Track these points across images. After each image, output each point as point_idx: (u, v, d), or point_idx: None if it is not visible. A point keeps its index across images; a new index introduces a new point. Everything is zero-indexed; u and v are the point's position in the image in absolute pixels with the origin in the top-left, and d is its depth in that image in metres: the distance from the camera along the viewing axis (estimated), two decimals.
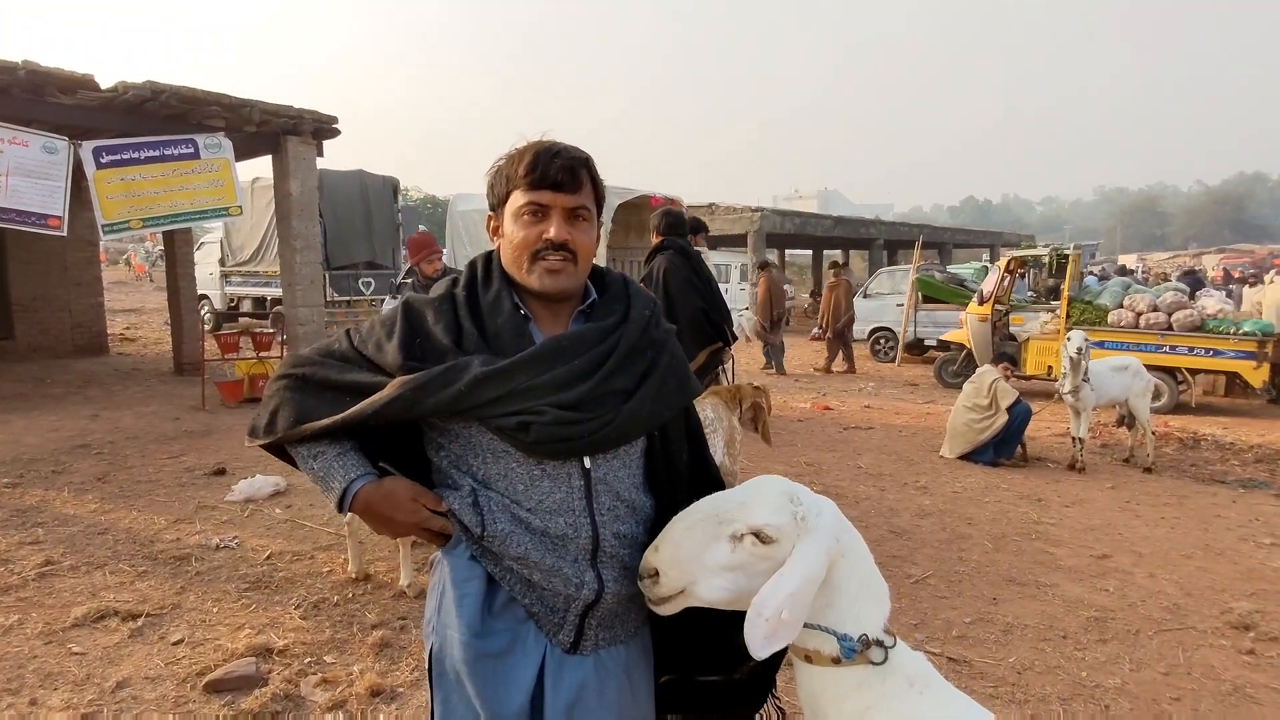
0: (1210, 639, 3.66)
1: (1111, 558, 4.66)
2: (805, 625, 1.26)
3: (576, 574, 1.35)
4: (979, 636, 3.66)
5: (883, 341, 14.97)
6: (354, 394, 1.37)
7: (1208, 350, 9.13)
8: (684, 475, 1.50)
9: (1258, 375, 8.96)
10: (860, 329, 15.57)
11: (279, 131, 8.83)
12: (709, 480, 1.54)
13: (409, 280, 5.62)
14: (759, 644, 1.20)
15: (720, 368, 4.95)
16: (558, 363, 1.34)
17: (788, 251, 36.23)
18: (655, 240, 4.90)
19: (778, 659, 1.42)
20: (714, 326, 4.75)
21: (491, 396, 1.30)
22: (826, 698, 1.29)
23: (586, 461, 1.37)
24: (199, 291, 12.67)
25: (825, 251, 34.90)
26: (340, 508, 1.37)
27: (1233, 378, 9.54)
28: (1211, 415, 9.23)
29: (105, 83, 7.56)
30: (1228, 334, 9.03)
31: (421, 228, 16.12)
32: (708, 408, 4.50)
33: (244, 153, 8.79)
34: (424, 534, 1.39)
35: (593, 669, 1.39)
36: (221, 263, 16.41)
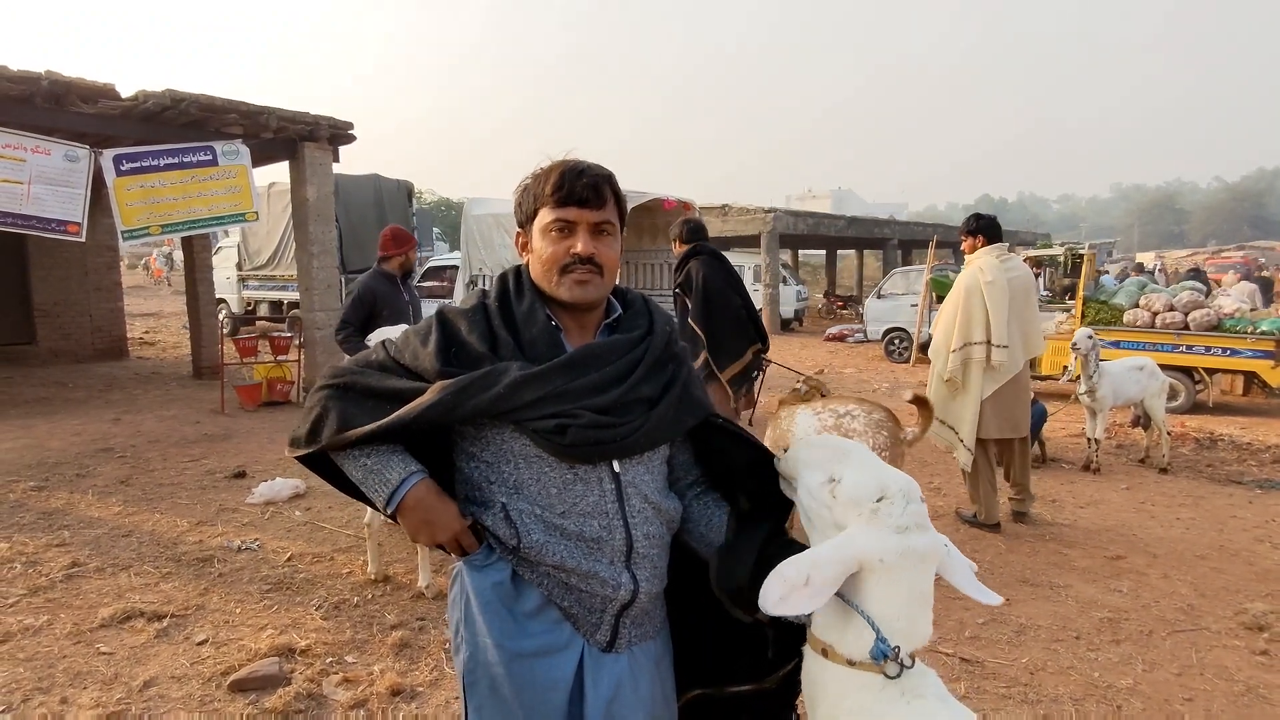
0: (1224, 640, 3.67)
1: (1126, 558, 4.66)
2: (856, 608, 1.31)
3: (613, 576, 1.41)
4: (992, 637, 3.68)
5: (897, 342, 14.95)
6: (394, 400, 1.42)
7: (1225, 350, 9.07)
8: (741, 474, 1.54)
9: (1276, 374, 8.89)
10: (875, 329, 15.57)
11: (296, 138, 8.94)
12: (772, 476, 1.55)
13: (369, 270, 5.29)
14: (772, 601, 1.28)
15: (760, 369, 4.99)
16: (592, 369, 1.41)
17: (801, 252, 36.16)
18: (681, 248, 4.97)
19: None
20: (755, 325, 4.90)
21: (531, 399, 1.36)
22: (830, 692, 1.35)
23: (616, 465, 1.42)
24: (216, 295, 12.82)
25: (840, 252, 34.83)
26: (389, 501, 1.40)
27: (1251, 377, 9.46)
28: (1229, 415, 9.18)
29: (126, 91, 7.69)
30: (1245, 333, 8.97)
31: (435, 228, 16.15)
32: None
33: (261, 159, 8.91)
34: (454, 545, 1.43)
35: (627, 665, 1.45)
36: (239, 267, 16.57)
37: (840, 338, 18.21)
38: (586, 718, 1.41)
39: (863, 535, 1.30)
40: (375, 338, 4.23)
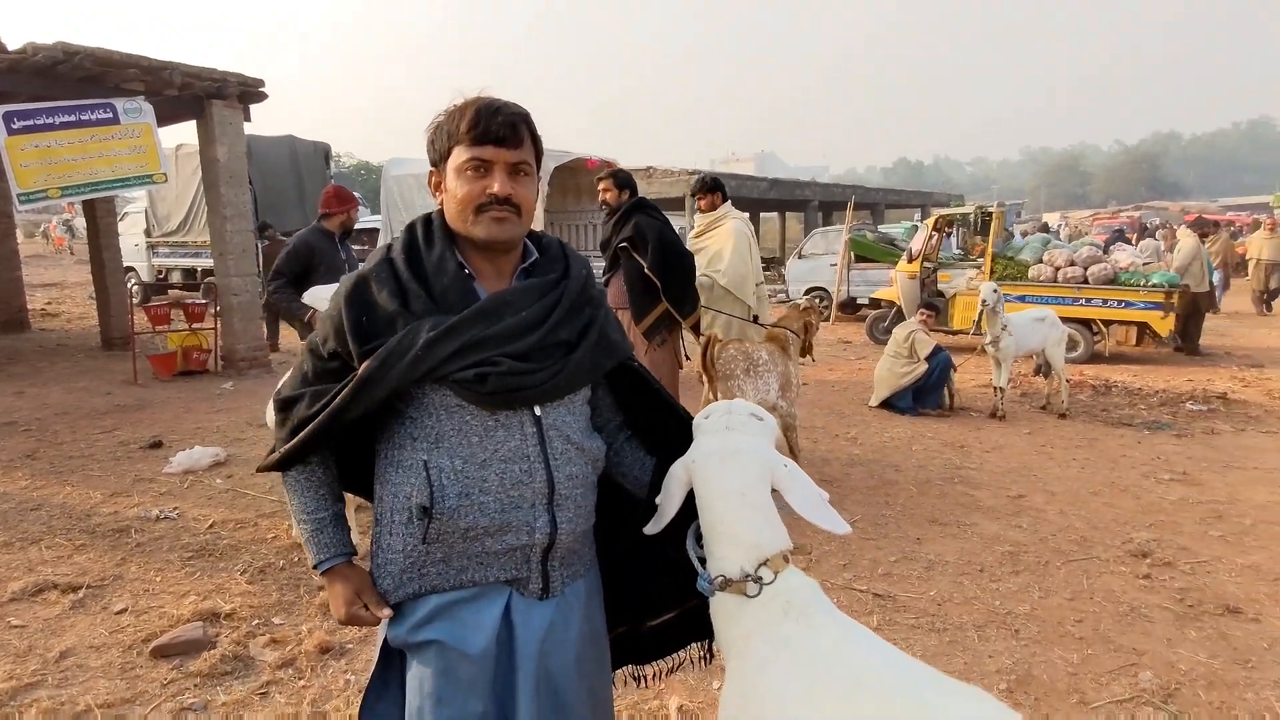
0: (1112, 566, 3.96)
1: (1026, 497, 4.96)
2: (690, 544, 1.49)
3: (530, 520, 1.41)
4: (903, 573, 3.89)
5: (817, 301, 15.27)
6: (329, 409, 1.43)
7: (1120, 302, 9.58)
8: (649, 415, 1.64)
9: (1165, 325, 9.46)
10: (796, 289, 15.86)
11: (203, 95, 8.57)
12: (677, 419, 1.63)
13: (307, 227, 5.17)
14: (650, 523, 1.51)
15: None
16: (506, 314, 1.40)
17: None
18: (613, 195, 4.86)
19: None
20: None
21: (447, 353, 1.34)
22: (719, 622, 1.43)
23: (537, 409, 1.43)
24: (124, 263, 12.25)
25: (763, 215, 35.20)
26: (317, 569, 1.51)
27: (1143, 328, 10.03)
28: (1123, 364, 9.74)
29: (13, 44, 7.24)
30: (1138, 286, 9.49)
31: None
32: (763, 350, 4.74)
33: (166, 117, 8.52)
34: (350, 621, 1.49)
35: (557, 605, 1.48)
36: (147, 233, 15.82)
37: None
38: (517, 655, 1.43)
39: (690, 449, 1.49)
40: (310, 295, 4.20)
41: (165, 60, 8.07)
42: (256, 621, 3.39)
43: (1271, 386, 8.24)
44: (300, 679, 2.97)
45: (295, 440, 1.42)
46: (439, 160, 1.46)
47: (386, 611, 1.44)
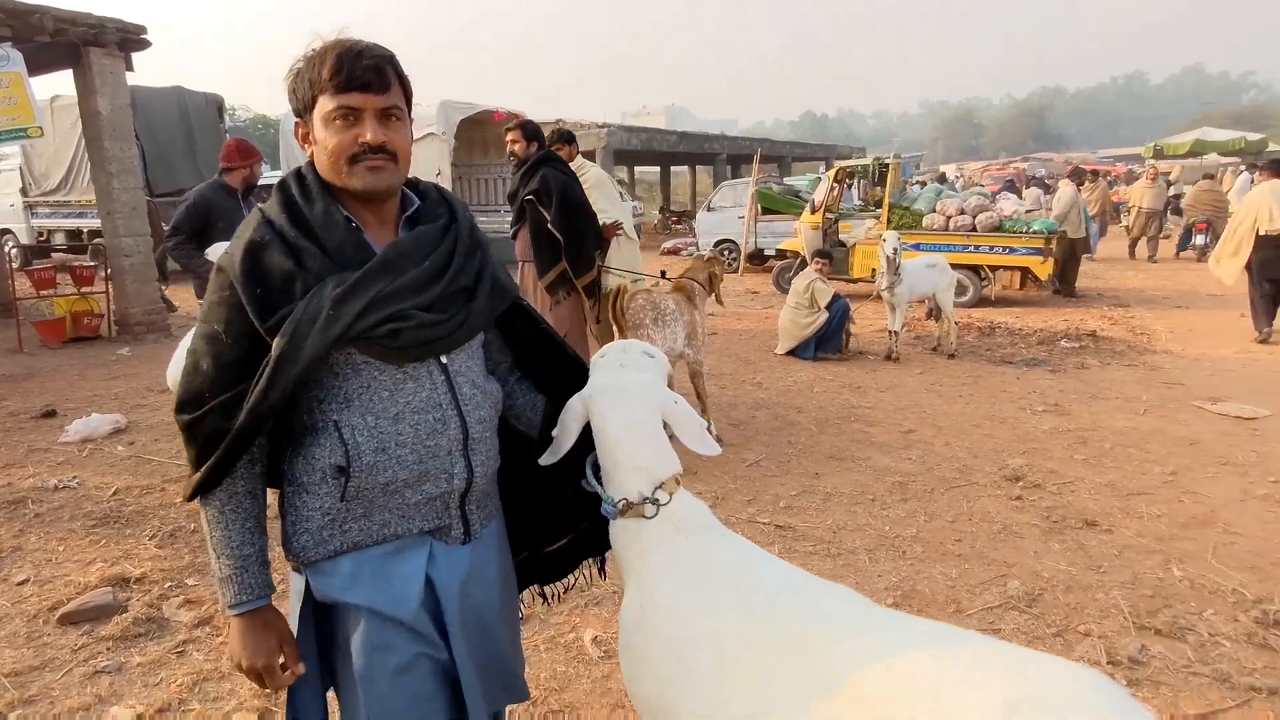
0: (989, 491, 4.31)
1: (916, 432, 5.30)
2: (588, 471, 1.61)
3: (447, 467, 1.42)
4: (802, 506, 4.15)
5: (726, 252, 15.53)
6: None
7: (1004, 248, 10.12)
8: (540, 354, 1.69)
9: (1044, 269, 10.06)
10: (706, 241, 16.07)
11: (78, 42, 8.05)
12: (566, 358, 1.71)
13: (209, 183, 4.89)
14: (546, 454, 1.59)
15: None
16: (409, 265, 1.37)
17: (637, 170, 36.27)
18: (522, 145, 4.84)
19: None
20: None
21: (357, 310, 1.30)
22: (618, 543, 1.57)
23: (444, 359, 1.43)
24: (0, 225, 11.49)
25: (674, 169, 35.24)
26: (230, 607, 1.41)
27: (1025, 272, 10.63)
28: (1007, 307, 10.34)
29: None
30: (1020, 233, 10.03)
31: None
32: (670, 300, 4.85)
33: (38, 66, 8.00)
34: (256, 677, 1.40)
35: (474, 548, 1.54)
36: (23, 192, 14.76)
37: (675, 251, 18.70)
38: (442, 599, 1.45)
39: (587, 384, 1.60)
40: (213, 252, 4.04)
41: (33, 3, 7.53)
42: (169, 584, 3.39)
43: (1135, 324, 8.93)
44: (218, 635, 3.00)
45: (220, 452, 1.33)
46: (303, 110, 1.39)
47: (302, 668, 1.41)
